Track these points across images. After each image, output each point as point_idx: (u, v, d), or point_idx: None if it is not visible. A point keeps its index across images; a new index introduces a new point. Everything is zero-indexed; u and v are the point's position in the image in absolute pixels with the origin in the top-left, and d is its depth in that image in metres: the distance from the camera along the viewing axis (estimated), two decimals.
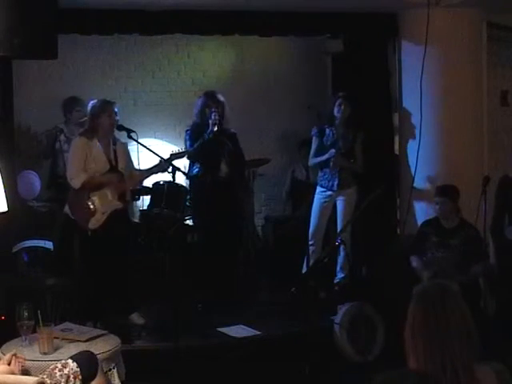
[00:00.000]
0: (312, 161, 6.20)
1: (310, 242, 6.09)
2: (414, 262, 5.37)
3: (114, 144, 5.19)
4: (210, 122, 5.78)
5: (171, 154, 5.47)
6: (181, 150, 5.70)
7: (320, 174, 6.20)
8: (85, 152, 5.06)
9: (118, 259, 5.13)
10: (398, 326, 2.24)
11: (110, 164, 5.12)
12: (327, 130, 6.09)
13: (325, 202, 6.15)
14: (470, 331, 2.12)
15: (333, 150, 5.98)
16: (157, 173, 5.37)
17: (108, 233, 5.04)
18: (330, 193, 6.13)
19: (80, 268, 5.28)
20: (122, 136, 5.34)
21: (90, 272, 5.10)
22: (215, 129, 5.78)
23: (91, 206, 5.02)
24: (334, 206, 6.18)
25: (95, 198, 5.04)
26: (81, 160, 5.05)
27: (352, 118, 6.07)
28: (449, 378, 2.07)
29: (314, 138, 6.16)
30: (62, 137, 6.22)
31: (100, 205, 5.04)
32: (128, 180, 5.19)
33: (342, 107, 6.01)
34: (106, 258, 5.05)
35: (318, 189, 6.19)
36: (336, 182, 6.08)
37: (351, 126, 6.08)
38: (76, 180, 5.02)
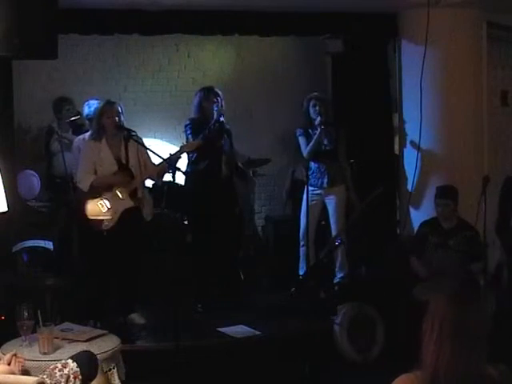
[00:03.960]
0: (306, 151, 6.11)
1: (301, 243, 6.08)
2: (414, 262, 5.38)
3: (127, 141, 5.13)
4: (215, 112, 5.75)
5: (181, 146, 5.43)
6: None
7: (309, 173, 6.18)
8: (93, 155, 5.10)
9: (128, 258, 5.14)
10: (398, 326, 2.24)
11: (118, 163, 5.12)
12: (310, 131, 6.11)
13: (313, 201, 6.12)
14: (488, 332, 2.13)
15: (319, 121, 6.01)
16: (171, 168, 5.25)
17: (122, 232, 5.05)
18: (319, 191, 6.12)
19: (82, 268, 5.29)
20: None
21: (94, 272, 5.10)
22: (221, 119, 5.79)
23: (103, 207, 5.03)
24: (323, 206, 6.17)
25: (106, 198, 5.05)
26: (89, 163, 5.08)
27: (330, 117, 6.09)
28: (471, 377, 2.07)
29: (300, 137, 6.16)
30: (55, 136, 6.22)
31: (112, 204, 5.05)
32: (140, 176, 5.17)
33: (317, 108, 6.06)
34: (118, 258, 5.06)
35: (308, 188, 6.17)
36: (326, 180, 6.09)
37: (331, 124, 6.09)
38: (83, 183, 5.06)
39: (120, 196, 5.09)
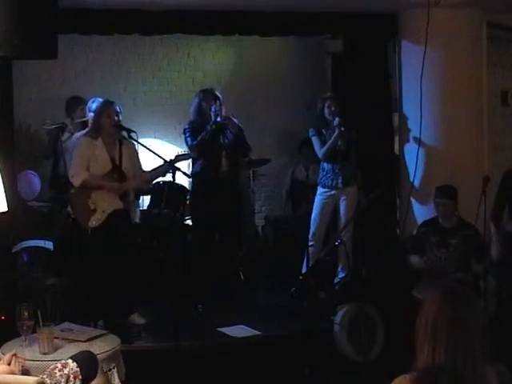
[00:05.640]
0: (322, 151, 6.10)
1: (310, 243, 6.09)
2: (413, 261, 5.38)
3: (121, 143, 5.19)
4: (212, 113, 5.78)
5: (176, 156, 5.47)
6: (186, 152, 5.73)
7: (322, 173, 6.20)
8: (88, 151, 5.09)
9: (117, 259, 5.13)
10: (398, 326, 2.24)
11: (112, 163, 5.13)
12: (324, 131, 6.12)
13: (326, 201, 6.15)
14: (485, 331, 2.14)
15: (337, 120, 5.96)
16: (164, 175, 5.37)
17: (108, 232, 5.05)
18: (332, 192, 6.13)
19: (80, 268, 5.28)
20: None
21: (89, 271, 5.10)
22: (218, 119, 5.81)
23: (91, 205, 5.04)
24: (336, 206, 6.19)
25: (96, 197, 5.05)
26: (84, 159, 5.08)
27: (345, 117, 6.09)
28: (466, 376, 2.08)
29: (313, 137, 6.17)
30: (66, 134, 6.18)
31: (100, 203, 5.05)
32: (132, 180, 5.20)
33: (333, 108, 6.05)
34: (105, 258, 5.06)
35: (320, 189, 6.19)
36: (340, 180, 6.09)
37: (345, 125, 6.09)
38: (76, 178, 5.06)
39: (110, 196, 5.07)
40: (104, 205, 5.06)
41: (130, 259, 5.34)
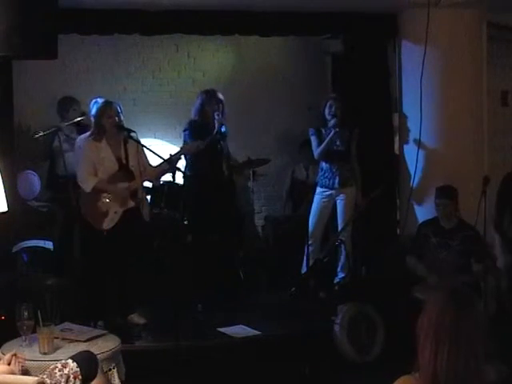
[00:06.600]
0: (317, 151, 6.15)
1: (309, 242, 6.10)
2: (412, 262, 5.38)
3: (126, 142, 5.17)
4: (216, 121, 5.84)
5: (181, 147, 5.46)
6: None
7: (320, 173, 6.22)
8: (93, 155, 5.10)
9: (129, 258, 5.15)
10: (398, 327, 2.24)
11: (119, 163, 5.13)
12: (323, 131, 6.13)
13: (325, 201, 6.17)
14: (486, 331, 2.14)
15: (333, 123, 6.04)
16: (172, 169, 5.31)
17: (122, 232, 5.07)
18: (330, 192, 6.15)
19: (82, 268, 5.29)
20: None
21: (94, 272, 5.10)
22: (223, 129, 5.87)
23: (103, 207, 5.04)
24: (334, 206, 6.20)
25: (106, 199, 5.06)
26: (89, 163, 5.08)
27: (345, 118, 6.10)
28: (468, 377, 2.08)
29: (312, 137, 6.18)
30: (61, 136, 6.16)
31: (112, 205, 5.06)
32: (139, 178, 5.19)
33: (333, 108, 6.07)
34: (118, 258, 5.07)
35: (318, 189, 6.22)
36: (337, 180, 6.11)
37: (346, 125, 6.10)
38: (85, 184, 5.07)
39: (121, 196, 5.08)
40: (115, 206, 5.07)
41: (137, 258, 5.34)
